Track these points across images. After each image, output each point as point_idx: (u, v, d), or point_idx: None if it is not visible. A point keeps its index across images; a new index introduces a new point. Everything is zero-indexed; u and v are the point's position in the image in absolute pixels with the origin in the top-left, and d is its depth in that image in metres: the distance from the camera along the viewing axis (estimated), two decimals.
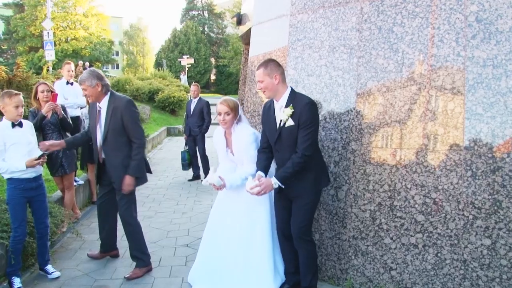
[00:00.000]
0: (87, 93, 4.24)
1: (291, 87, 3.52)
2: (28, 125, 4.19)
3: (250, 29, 5.46)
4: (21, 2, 41.44)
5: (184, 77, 33.14)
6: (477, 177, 3.36)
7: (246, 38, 6.10)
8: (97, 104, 4.33)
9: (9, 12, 42.59)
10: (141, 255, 4.45)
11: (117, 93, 4.46)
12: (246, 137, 3.77)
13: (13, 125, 3.99)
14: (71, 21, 41.93)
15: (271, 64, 3.47)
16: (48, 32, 19.96)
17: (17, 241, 4.00)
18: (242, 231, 3.84)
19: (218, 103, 3.83)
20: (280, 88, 3.47)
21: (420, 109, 3.60)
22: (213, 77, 47.15)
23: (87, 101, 6.21)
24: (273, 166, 3.76)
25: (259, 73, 3.47)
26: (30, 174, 4.04)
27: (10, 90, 4.06)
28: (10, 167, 3.92)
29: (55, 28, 36.17)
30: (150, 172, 4.71)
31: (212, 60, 46.89)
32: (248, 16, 5.91)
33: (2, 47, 43.91)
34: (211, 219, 4.08)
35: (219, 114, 3.77)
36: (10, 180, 4.01)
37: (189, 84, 21.37)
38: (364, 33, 3.89)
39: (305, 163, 3.37)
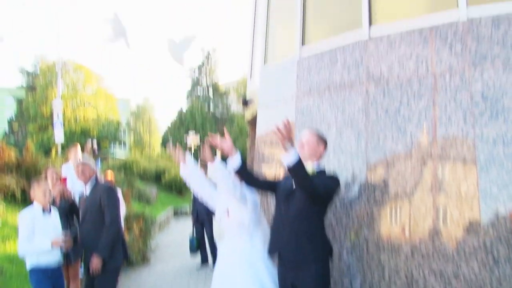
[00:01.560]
0: (87, 174, 4.51)
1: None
2: (55, 211, 4.43)
3: (256, 113, 5.53)
4: (33, 85, 42.92)
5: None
6: (500, 263, 3.19)
7: (253, 122, 6.16)
8: (84, 188, 4.60)
9: (22, 94, 44.05)
10: None
11: (101, 181, 4.84)
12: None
13: (43, 211, 4.19)
14: (81, 101, 43.08)
15: (324, 138, 3.48)
16: (58, 114, 20.40)
17: None
18: None
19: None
20: (315, 156, 3.40)
21: (434, 192, 3.50)
22: (219, 156, 47.33)
23: None
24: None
25: (310, 133, 3.47)
26: (54, 259, 4.17)
27: (39, 177, 4.45)
28: (35, 247, 4.02)
29: (64, 107, 37.11)
30: (127, 257, 4.86)
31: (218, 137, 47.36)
32: (254, 100, 6.00)
33: (14, 128, 44.92)
34: None
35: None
36: (35, 269, 4.07)
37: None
38: (371, 115, 3.90)
39: (310, 186, 3.10)
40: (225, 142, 3.39)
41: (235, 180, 3.47)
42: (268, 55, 5.57)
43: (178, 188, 20.41)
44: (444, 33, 3.66)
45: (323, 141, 3.47)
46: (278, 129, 2.92)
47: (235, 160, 3.35)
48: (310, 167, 3.29)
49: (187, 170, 3.76)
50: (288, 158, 2.94)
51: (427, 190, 3.53)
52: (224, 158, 3.59)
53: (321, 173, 3.34)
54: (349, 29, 4.29)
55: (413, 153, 3.63)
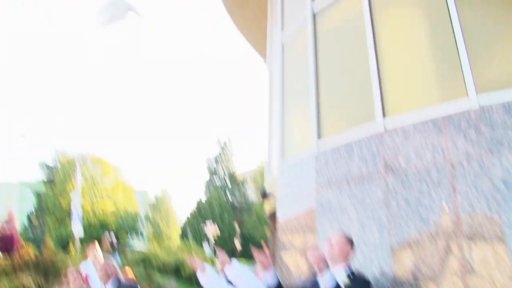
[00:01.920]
0: (110, 272, 4.58)
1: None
2: None
3: (275, 206, 5.53)
4: (53, 179, 43.70)
5: (207, 246, 32.30)
6: None
7: (272, 215, 6.15)
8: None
9: (42, 188, 44.79)
10: None
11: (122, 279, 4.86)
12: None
13: None
14: (99, 194, 43.45)
15: (351, 239, 3.51)
16: (76, 207, 20.47)
17: None
18: None
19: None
20: (343, 256, 3.40)
21: (465, 282, 3.36)
22: (238, 246, 46.33)
23: None
24: None
25: (339, 234, 3.49)
26: None
27: (61, 280, 4.31)
28: None
29: (83, 200, 37.30)
30: None
31: (236, 225, 46.86)
32: (273, 193, 6.03)
33: (33, 222, 45.07)
34: None
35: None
36: None
37: (215, 254, 21.09)
38: (392, 206, 3.87)
39: None
40: (264, 257, 3.43)
41: (257, 280, 3.41)
42: (285, 146, 5.68)
43: (198, 280, 19.87)
44: (457, 122, 3.72)
45: (350, 242, 3.51)
46: (310, 253, 3.21)
47: (271, 277, 3.35)
48: (341, 272, 3.27)
49: (206, 278, 3.68)
50: (326, 284, 3.16)
51: (457, 280, 3.40)
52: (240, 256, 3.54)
53: (352, 278, 3.31)
54: (363, 122, 4.39)
55: (439, 242, 3.55)
